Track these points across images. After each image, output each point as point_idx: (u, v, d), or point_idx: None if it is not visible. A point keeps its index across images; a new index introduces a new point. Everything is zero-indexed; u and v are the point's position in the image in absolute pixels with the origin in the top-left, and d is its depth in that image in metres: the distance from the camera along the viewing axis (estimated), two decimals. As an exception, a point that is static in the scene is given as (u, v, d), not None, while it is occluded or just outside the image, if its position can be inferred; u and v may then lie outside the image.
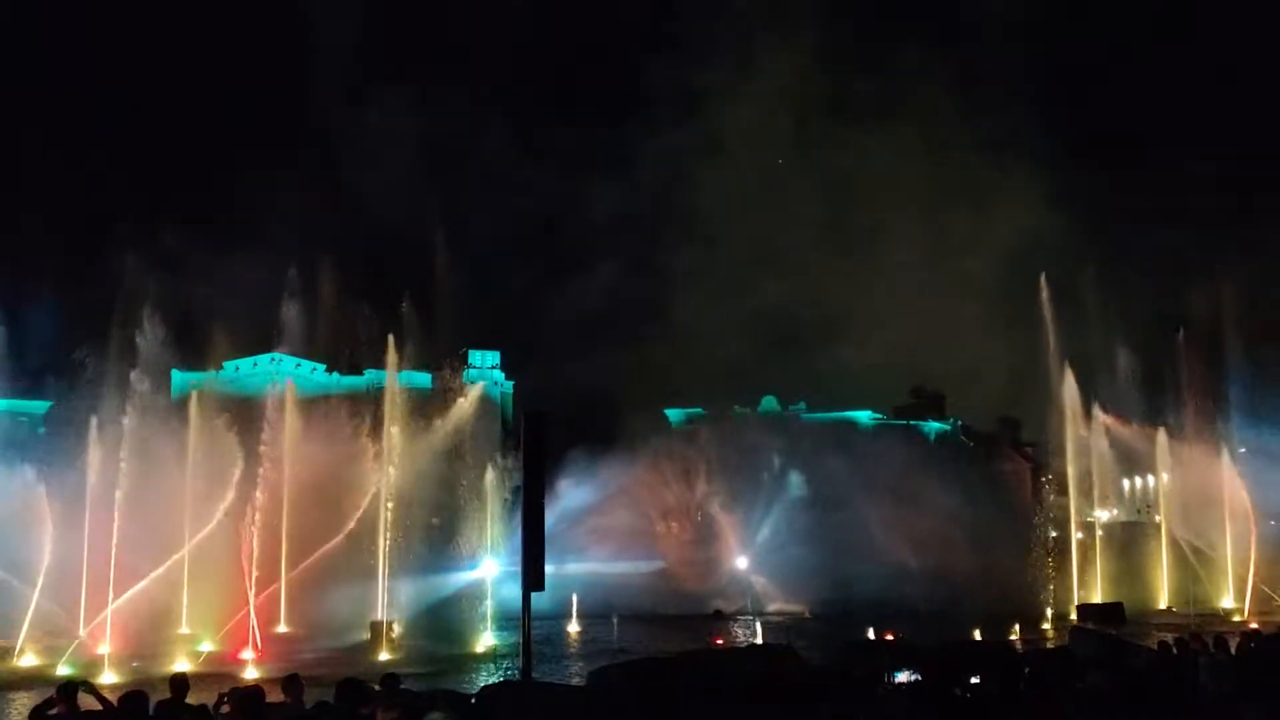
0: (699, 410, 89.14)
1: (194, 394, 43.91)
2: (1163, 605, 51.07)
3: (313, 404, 49.76)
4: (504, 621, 40.84)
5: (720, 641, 39.08)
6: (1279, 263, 67.34)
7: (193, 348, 45.80)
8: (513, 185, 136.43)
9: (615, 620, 44.22)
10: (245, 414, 44.44)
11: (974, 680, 11.09)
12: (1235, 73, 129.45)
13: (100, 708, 13.23)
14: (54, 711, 13.00)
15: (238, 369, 73.01)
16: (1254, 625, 37.84)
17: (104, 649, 34.58)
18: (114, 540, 37.12)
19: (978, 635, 37.86)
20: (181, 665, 30.70)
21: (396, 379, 48.05)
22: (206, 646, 37.41)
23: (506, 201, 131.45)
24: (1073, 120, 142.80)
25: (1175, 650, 17.76)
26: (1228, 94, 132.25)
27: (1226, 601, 49.65)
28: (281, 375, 51.21)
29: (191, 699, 13.33)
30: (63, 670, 30.68)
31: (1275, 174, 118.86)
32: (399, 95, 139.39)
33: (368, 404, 47.15)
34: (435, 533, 53.35)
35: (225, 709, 13.82)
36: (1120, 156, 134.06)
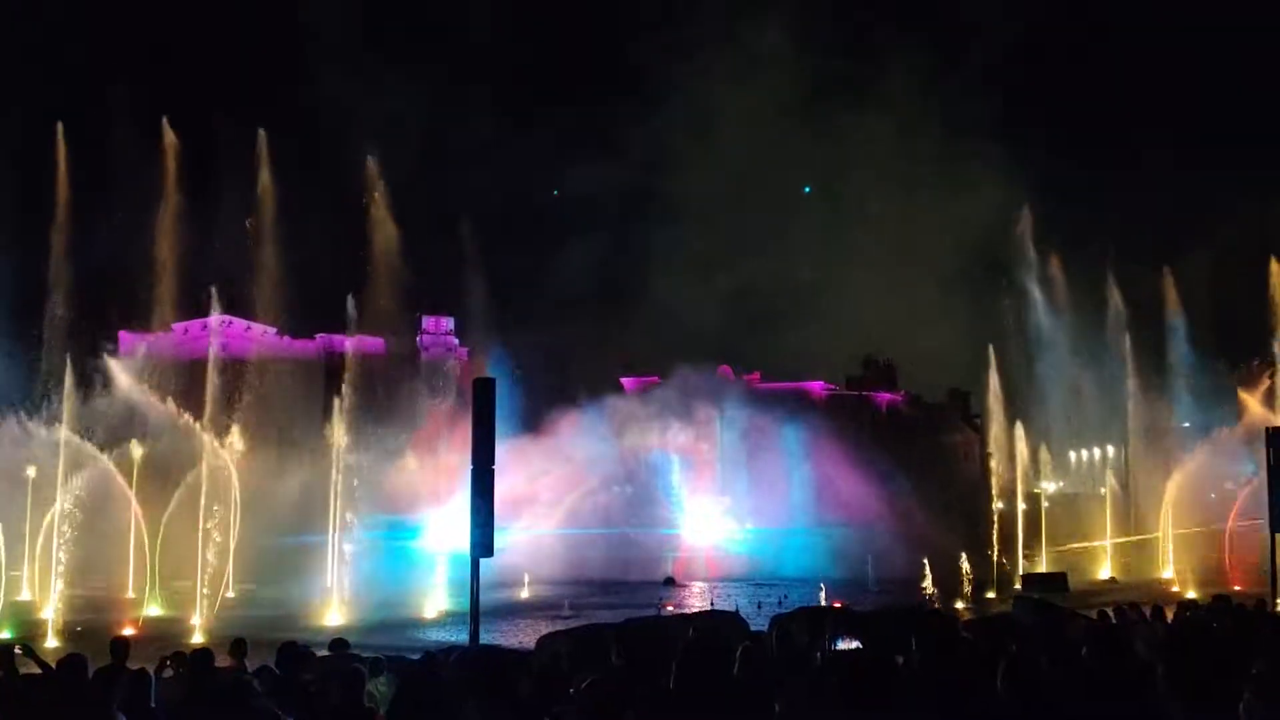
0: (654, 380, 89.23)
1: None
2: (1105, 576, 52.14)
3: (262, 367, 49.26)
4: (454, 586, 40.86)
5: (670, 607, 39.34)
6: (1230, 249, 68.20)
7: (140, 309, 45.07)
8: (486, 156, 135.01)
9: (565, 592, 44.47)
10: (193, 376, 43.93)
11: (914, 648, 11.21)
12: (1207, 66, 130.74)
13: (39, 671, 13.06)
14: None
15: (186, 331, 72.00)
16: (1191, 595, 38.68)
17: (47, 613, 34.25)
18: (58, 503, 36.67)
19: (923, 603, 38.50)
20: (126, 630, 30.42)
21: (350, 342, 47.77)
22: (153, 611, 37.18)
23: (478, 172, 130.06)
24: (1042, 108, 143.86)
25: (1114, 619, 18.12)
26: (1198, 89, 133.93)
27: (1166, 573, 50.72)
28: (230, 338, 50.60)
29: (134, 664, 13.21)
30: (2, 635, 30.30)
31: (1236, 165, 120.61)
32: (378, 60, 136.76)
33: (318, 368, 46.77)
34: (386, 497, 53.14)
35: (168, 673, 13.70)
36: (1088, 146, 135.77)
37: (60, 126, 46.10)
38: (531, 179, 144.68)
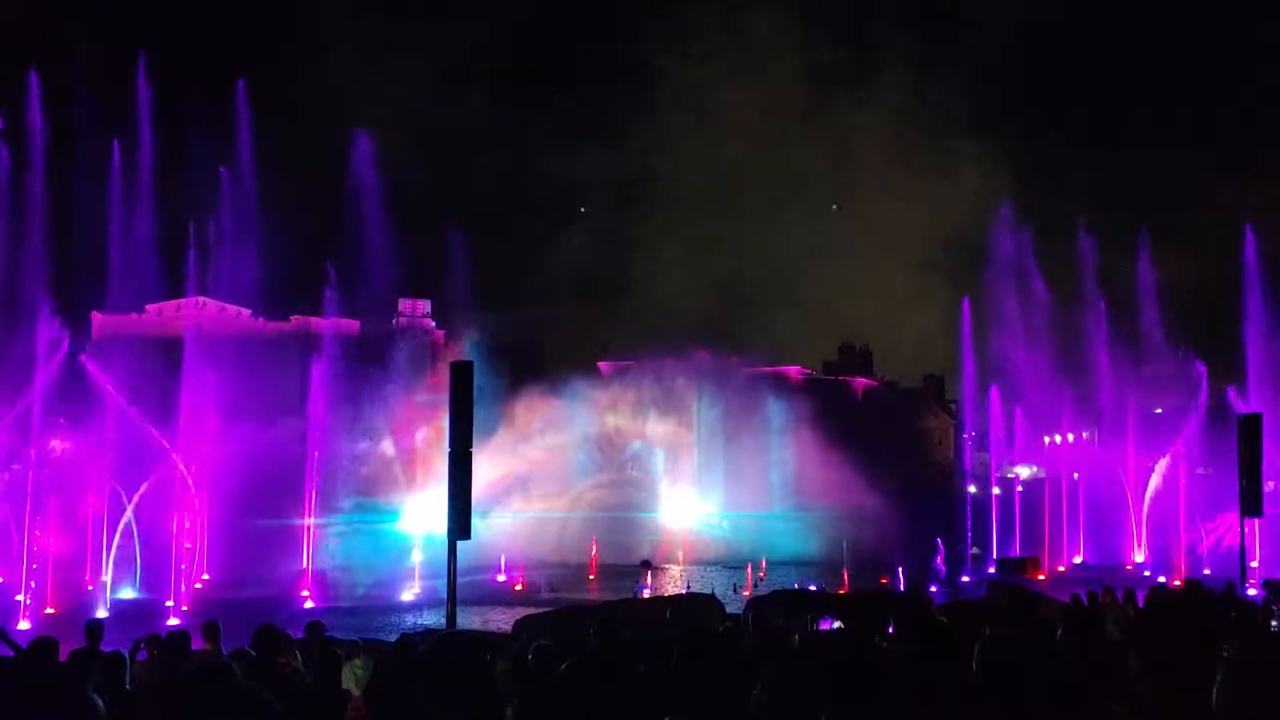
0: (631, 364, 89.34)
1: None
2: (1078, 560, 52.55)
3: (237, 348, 48.94)
4: (431, 569, 40.85)
5: (647, 590, 39.46)
6: (1207, 235, 68.77)
7: (113, 290, 44.57)
8: (474, 140, 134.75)
9: (545, 573, 44.55)
10: (167, 357, 43.63)
11: (890, 630, 11.31)
12: (1198, 62, 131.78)
13: (11, 654, 12.98)
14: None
15: (160, 312, 71.49)
16: (1161, 579, 39.11)
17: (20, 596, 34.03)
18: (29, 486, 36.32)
19: (899, 586, 38.81)
20: (100, 613, 30.28)
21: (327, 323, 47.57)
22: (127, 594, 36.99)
23: (465, 155, 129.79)
24: (1020, 99, 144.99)
25: (1086, 602, 18.31)
26: (1177, 80, 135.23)
27: (1137, 556, 51.21)
28: (205, 319, 50.23)
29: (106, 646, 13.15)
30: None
31: (1214, 154, 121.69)
32: (375, 43, 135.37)
33: (293, 349, 46.50)
34: (363, 480, 53.02)
35: (142, 656, 13.64)
36: (1066, 132, 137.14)
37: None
38: (519, 163, 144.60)
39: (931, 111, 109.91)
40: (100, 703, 9.08)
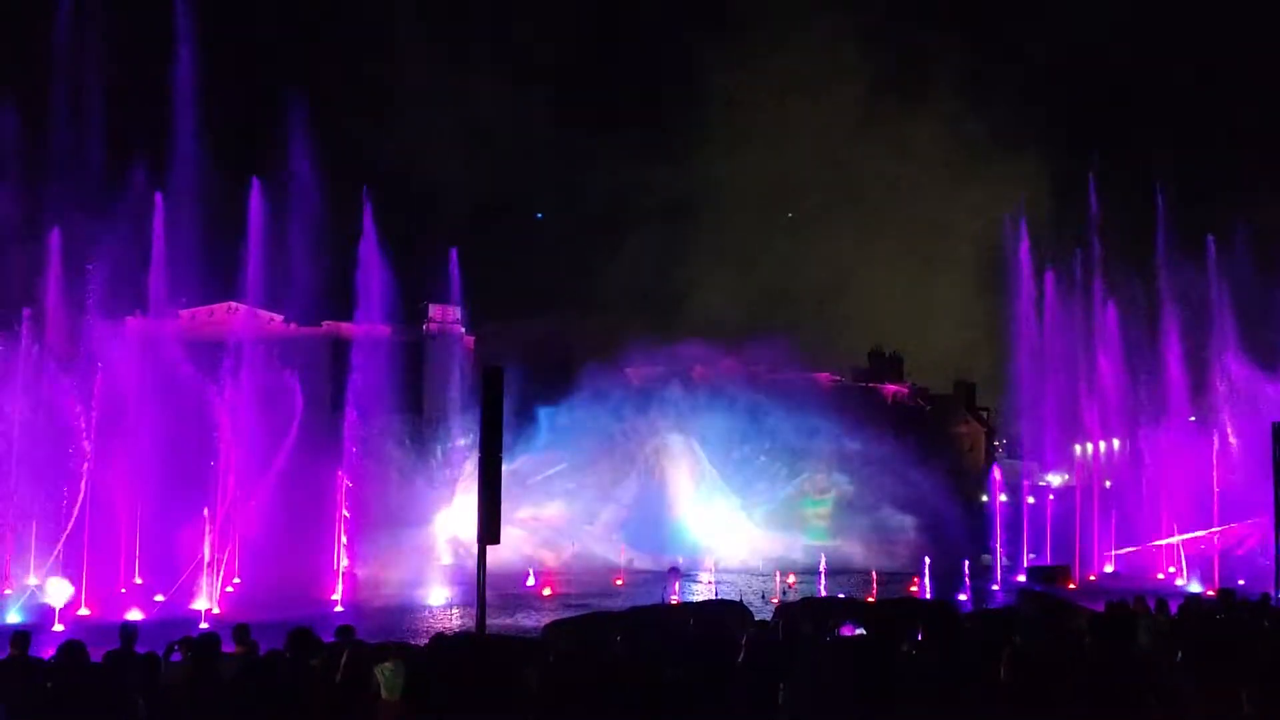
0: (659, 370, 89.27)
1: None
2: (1110, 570, 52.08)
3: (269, 353, 49.36)
4: (462, 574, 41.06)
5: (675, 597, 39.47)
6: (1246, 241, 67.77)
7: (148, 294, 44.98)
8: (514, 149, 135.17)
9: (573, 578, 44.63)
10: (200, 362, 44.11)
11: (919, 637, 11.29)
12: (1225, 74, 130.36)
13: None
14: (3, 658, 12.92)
15: (194, 317, 72.13)
16: (1194, 589, 38.73)
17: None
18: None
19: (927, 594, 38.68)
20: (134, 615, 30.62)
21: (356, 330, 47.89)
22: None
23: (516, 162, 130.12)
24: (1055, 106, 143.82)
25: (1118, 612, 18.20)
26: (1209, 88, 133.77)
27: (1171, 567, 50.66)
28: (237, 324, 50.67)
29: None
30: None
31: (1252, 168, 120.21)
32: (419, 53, 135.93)
33: (325, 355, 46.77)
34: (394, 485, 53.30)
35: (175, 658, 13.83)
36: (1103, 142, 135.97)
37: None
38: (556, 175, 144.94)
39: (974, 124, 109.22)
40: (141, 703, 9.24)
